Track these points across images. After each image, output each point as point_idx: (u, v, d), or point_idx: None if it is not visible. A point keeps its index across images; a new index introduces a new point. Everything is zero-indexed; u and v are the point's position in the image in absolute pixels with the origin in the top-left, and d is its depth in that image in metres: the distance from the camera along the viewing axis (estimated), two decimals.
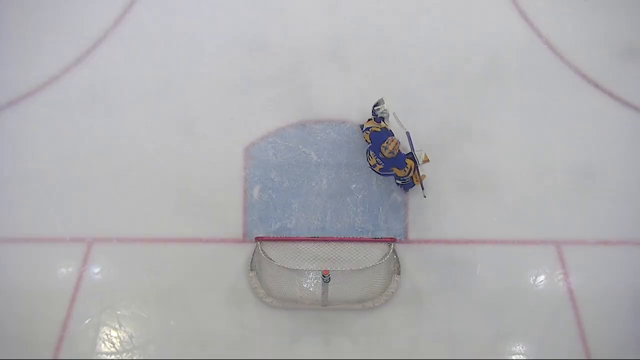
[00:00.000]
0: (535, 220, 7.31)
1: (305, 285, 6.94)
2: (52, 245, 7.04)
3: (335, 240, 7.15)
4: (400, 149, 6.86)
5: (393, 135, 6.94)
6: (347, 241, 7.15)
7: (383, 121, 7.18)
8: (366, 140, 7.27)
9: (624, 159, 7.65)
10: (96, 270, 7.03)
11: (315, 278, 6.91)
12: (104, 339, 6.72)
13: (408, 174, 6.86)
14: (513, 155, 7.66)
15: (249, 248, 7.15)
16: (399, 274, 7.04)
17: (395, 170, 6.93)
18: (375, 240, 7.17)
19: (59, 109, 7.80)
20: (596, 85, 8.03)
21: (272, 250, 7.05)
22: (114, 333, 6.74)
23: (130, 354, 6.67)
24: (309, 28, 8.38)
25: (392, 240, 7.11)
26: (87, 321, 6.77)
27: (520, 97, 7.99)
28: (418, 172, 6.95)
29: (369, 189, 7.46)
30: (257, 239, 7.10)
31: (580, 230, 7.27)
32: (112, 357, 6.65)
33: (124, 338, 6.73)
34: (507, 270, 7.07)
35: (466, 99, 7.97)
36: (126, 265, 7.04)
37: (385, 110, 7.15)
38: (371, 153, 7.08)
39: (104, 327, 6.76)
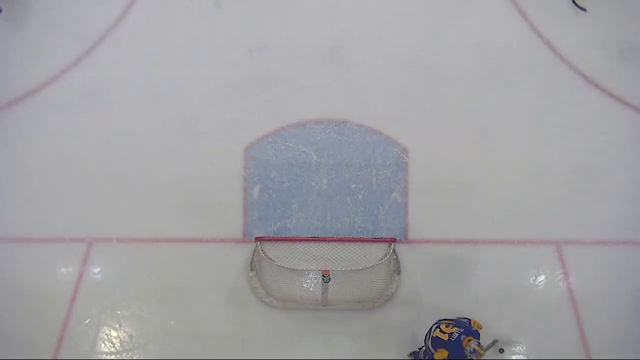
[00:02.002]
0: (535, 220, 7.31)
1: (305, 285, 6.94)
2: (52, 245, 7.04)
3: (335, 240, 7.15)
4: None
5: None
6: (347, 241, 7.15)
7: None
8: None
9: (624, 159, 7.65)
10: (96, 270, 7.03)
11: (315, 278, 6.91)
12: (104, 339, 6.72)
13: None
14: (513, 155, 7.66)
15: (249, 248, 7.15)
16: (399, 274, 7.04)
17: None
18: (375, 240, 7.17)
19: (59, 109, 7.80)
20: (596, 85, 8.03)
21: (272, 250, 7.05)
22: (114, 333, 6.74)
23: (130, 354, 6.66)
24: (308, 28, 8.39)
25: (392, 240, 7.11)
26: (87, 321, 6.77)
27: (520, 97, 7.99)
28: None
29: (369, 189, 7.46)
30: (257, 239, 7.10)
31: (580, 230, 7.27)
32: (112, 357, 6.65)
33: (124, 338, 6.73)
34: (507, 270, 7.07)
35: (466, 99, 7.97)
36: (126, 265, 7.04)
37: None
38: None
39: (104, 327, 6.75)
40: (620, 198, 7.45)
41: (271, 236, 7.19)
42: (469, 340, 5.66)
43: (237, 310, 6.85)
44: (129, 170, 7.47)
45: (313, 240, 7.13)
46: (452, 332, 5.79)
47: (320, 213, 7.36)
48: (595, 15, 8.43)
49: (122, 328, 6.76)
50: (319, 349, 6.69)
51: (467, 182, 7.48)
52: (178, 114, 7.82)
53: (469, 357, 5.63)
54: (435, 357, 5.80)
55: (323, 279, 6.31)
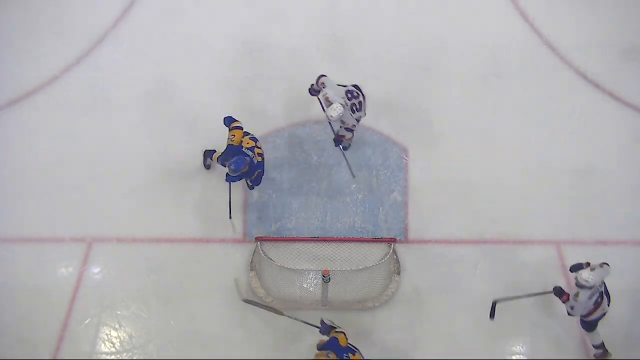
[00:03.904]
0: (535, 220, 7.31)
1: (305, 285, 6.94)
2: (52, 245, 7.04)
3: (335, 240, 7.15)
4: None
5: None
6: (347, 241, 7.15)
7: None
8: None
9: (624, 159, 7.65)
10: (96, 270, 7.03)
11: (315, 278, 6.91)
12: (104, 338, 6.71)
13: None
14: (513, 155, 7.66)
15: (249, 248, 7.14)
16: (398, 274, 7.04)
17: None
18: (375, 240, 7.16)
19: (59, 109, 7.80)
20: (596, 85, 8.04)
21: (272, 250, 7.05)
22: (114, 333, 6.74)
23: (130, 354, 6.66)
24: (309, 28, 8.39)
25: (392, 240, 7.10)
26: (87, 321, 6.77)
27: (520, 96, 8.00)
28: None
29: (369, 189, 7.46)
30: (257, 239, 7.10)
31: (580, 230, 7.26)
32: (112, 357, 6.65)
33: (124, 338, 6.73)
34: (507, 270, 7.07)
35: (466, 99, 7.97)
36: (126, 265, 7.04)
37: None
38: None
39: (104, 327, 6.75)
40: (620, 198, 7.45)
41: (271, 236, 7.19)
42: None
43: (237, 310, 6.84)
44: (129, 170, 7.47)
45: (313, 240, 7.13)
46: None
47: (320, 213, 7.36)
48: (595, 15, 8.44)
49: (122, 328, 6.76)
50: None
51: (467, 182, 7.48)
52: (178, 114, 7.82)
53: None
54: None
55: (323, 279, 6.32)
